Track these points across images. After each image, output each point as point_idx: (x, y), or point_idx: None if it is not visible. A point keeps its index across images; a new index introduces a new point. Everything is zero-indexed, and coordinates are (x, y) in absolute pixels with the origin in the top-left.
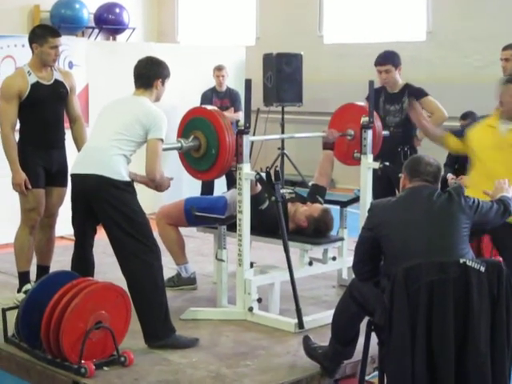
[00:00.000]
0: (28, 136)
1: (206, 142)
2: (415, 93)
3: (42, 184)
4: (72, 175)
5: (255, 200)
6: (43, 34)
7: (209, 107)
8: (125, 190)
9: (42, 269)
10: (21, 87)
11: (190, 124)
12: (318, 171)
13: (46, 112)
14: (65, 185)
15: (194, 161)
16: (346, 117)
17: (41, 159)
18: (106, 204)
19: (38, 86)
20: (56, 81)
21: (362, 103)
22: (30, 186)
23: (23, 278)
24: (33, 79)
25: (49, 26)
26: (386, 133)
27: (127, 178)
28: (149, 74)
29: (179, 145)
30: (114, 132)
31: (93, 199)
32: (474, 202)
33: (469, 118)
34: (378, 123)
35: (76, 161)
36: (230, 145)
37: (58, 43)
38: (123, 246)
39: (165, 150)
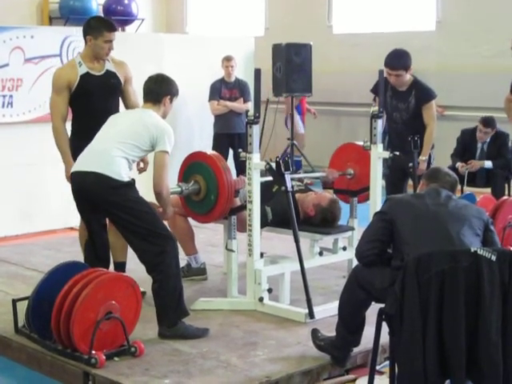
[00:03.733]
0: (80, 128)
1: (206, 185)
2: (421, 95)
3: None
4: (72, 173)
5: (261, 217)
6: (99, 28)
7: (208, 152)
8: (123, 187)
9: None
10: (70, 78)
11: (190, 168)
12: None
13: (96, 103)
14: None
15: (194, 204)
16: (345, 156)
17: None
18: (107, 203)
19: (88, 77)
20: (107, 71)
21: (361, 143)
22: None
23: None
24: (83, 70)
25: (105, 19)
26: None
27: (126, 179)
28: (158, 91)
29: (179, 189)
30: (120, 136)
31: (93, 197)
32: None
33: (490, 126)
34: None
35: (77, 160)
36: (228, 188)
37: (113, 37)
38: (134, 238)
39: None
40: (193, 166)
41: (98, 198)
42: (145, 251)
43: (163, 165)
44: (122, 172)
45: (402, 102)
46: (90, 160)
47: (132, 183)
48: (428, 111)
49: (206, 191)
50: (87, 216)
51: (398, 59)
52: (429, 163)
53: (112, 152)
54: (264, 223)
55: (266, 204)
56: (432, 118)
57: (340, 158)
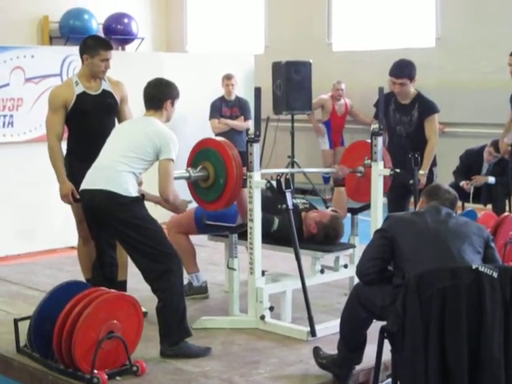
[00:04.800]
0: (75, 148)
1: (215, 172)
2: (424, 109)
3: None
4: (81, 191)
5: (265, 222)
6: (95, 46)
7: (218, 138)
8: (132, 203)
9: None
10: (66, 97)
11: (200, 154)
12: (334, 207)
13: (92, 122)
14: None
15: (201, 191)
16: (357, 154)
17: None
18: (115, 220)
19: (84, 96)
20: (104, 91)
21: None
22: (77, 196)
23: None
24: (79, 89)
25: (101, 38)
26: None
27: (135, 194)
28: (159, 96)
29: (187, 174)
30: (123, 150)
31: (101, 214)
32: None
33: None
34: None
35: (85, 178)
36: (237, 172)
37: (110, 56)
38: (139, 256)
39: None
40: (201, 152)
41: (106, 215)
42: (150, 270)
43: (168, 173)
44: (130, 187)
45: (405, 115)
46: (96, 177)
47: (140, 199)
48: (430, 124)
49: (215, 176)
50: (96, 233)
51: (403, 68)
52: (431, 180)
53: (118, 167)
54: (267, 232)
55: (275, 215)
56: (434, 132)
57: (351, 156)
